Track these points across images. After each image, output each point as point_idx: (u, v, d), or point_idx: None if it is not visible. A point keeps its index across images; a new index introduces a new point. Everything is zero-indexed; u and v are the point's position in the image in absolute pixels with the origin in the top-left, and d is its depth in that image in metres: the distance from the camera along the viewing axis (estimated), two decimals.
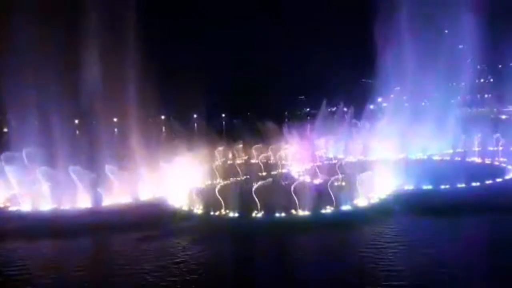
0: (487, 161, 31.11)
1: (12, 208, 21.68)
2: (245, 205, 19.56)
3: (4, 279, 14.38)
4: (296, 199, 19.12)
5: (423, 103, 48.97)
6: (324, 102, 43.36)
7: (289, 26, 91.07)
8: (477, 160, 31.86)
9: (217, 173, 27.98)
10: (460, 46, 44.70)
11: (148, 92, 32.29)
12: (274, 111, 71.23)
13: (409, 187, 22.45)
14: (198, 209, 20.34)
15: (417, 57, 37.65)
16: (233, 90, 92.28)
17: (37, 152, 24.15)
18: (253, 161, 34.59)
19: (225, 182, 26.90)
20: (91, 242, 18.08)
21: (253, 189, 19.57)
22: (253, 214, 19.04)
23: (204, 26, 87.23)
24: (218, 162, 33.08)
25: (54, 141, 25.51)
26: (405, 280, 13.05)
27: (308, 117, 62.93)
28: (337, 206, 19.45)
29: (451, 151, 33.99)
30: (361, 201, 20.19)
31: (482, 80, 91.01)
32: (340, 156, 34.54)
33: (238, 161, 34.45)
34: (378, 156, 31.27)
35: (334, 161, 31.00)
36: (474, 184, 22.86)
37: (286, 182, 20.84)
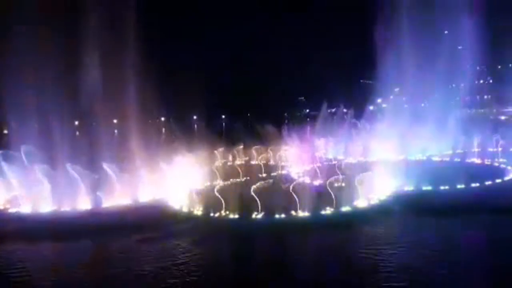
0: (487, 162, 31.17)
1: (12, 210, 21.68)
2: (245, 206, 19.57)
3: (4, 281, 14.35)
4: (296, 199, 19.13)
5: (422, 104, 49.06)
6: (325, 104, 43.38)
7: (289, 26, 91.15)
8: (477, 161, 31.92)
9: (217, 174, 27.99)
10: (460, 47, 44.79)
11: (148, 93, 32.33)
12: (274, 112, 71.27)
13: (409, 188, 22.49)
14: (198, 211, 20.35)
15: (416, 58, 37.79)
16: (233, 91, 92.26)
17: (35, 151, 24.12)
18: (253, 162, 34.62)
19: (225, 183, 26.91)
20: (91, 244, 18.03)
21: (251, 189, 19.60)
22: (253, 215, 19.06)
23: (204, 26, 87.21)
24: (218, 163, 33.12)
25: (54, 142, 25.52)
26: (405, 281, 13.06)
27: (308, 119, 62.97)
28: (337, 207, 19.47)
29: (450, 152, 34.03)
30: (361, 202, 20.21)
31: (481, 81, 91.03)
32: (340, 157, 34.55)
33: (238, 162, 34.47)
34: (378, 157, 31.31)
35: (334, 162, 31.03)
36: (473, 185, 22.92)
37: (286, 185, 20.82)
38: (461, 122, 38.50)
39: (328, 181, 21.67)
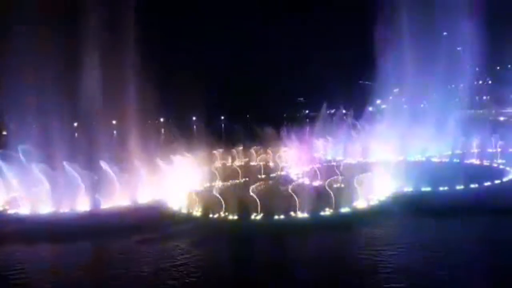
0: (486, 163, 31.18)
1: (11, 211, 21.63)
2: (245, 207, 19.56)
3: (3, 283, 14.32)
4: (295, 200, 19.13)
5: (422, 105, 49.01)
6: (325, 105, 43.36)
7: (289, 26, 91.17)
8: (476, 162, 31.93)
9: (216, 174, 27.98)
10: (459, 48, 44.82)
11: (148, 93, 32.29)
12: (274, 113, 71.23)
13: (408, 189, 22.50)
14: (198, 212, 20.33)
15: (416, 59, 37.78)
16: (232, 91, 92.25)
17: (33, 150, 24.07)
18: (252, 163, 34.62)
19: (225, 184, 26.89)
20: (90, 245, 18.01)
21: (251, 190, 19.58)
22: (253, 216, 19.04)
23: (204, 26, 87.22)
24: (218, 164, 33.11)
25: (53, 143, 25.48)
26: (404, 282, 13.08)
27: (307, 120, 62.91)
28: (336, 208, 19.47)
29: (450, 153, 34.05)
30: (360, 203, 20.21)
31: (480, 82, 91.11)
32: (339, 158, 34.57)
33: (238, 163, 34.47)
34: (377, 158, 31.31)
35: (333, 163, 31.03)
36: (472, 186, 22.96)
37: (285, 187, 20.85)
38: (460, 123, 38.47)
39: (327, 182, 21.67)
